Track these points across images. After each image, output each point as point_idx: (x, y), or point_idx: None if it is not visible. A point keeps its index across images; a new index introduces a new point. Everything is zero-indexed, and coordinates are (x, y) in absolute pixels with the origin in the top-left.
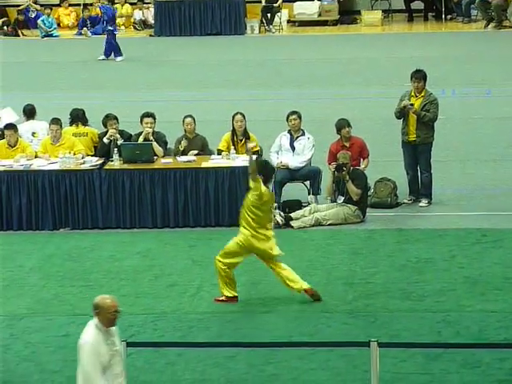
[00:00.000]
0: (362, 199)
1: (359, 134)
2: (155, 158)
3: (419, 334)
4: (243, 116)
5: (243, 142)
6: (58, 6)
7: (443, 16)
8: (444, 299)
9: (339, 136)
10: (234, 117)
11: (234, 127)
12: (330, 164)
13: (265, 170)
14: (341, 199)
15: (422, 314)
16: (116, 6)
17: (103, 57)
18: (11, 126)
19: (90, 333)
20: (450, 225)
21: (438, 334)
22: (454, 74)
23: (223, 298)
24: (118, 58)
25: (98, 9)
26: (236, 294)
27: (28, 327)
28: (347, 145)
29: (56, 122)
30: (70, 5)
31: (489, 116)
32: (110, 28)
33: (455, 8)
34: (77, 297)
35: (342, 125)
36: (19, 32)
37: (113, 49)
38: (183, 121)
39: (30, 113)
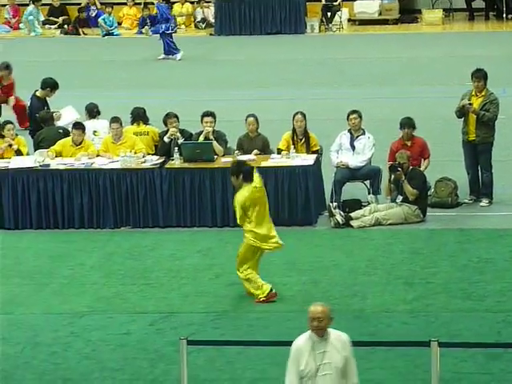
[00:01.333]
0: (422, 199)
1: (420, 133)
2: (215, 157)
3: (480, 333)
4: (303, 115)
5: (303, 141)
6: (120, 4)
7: (504, 15)
8: (505, 299)
9: (401, 134)
10: (294, 116)
11: (294, 126)
12: (390, 162)
13: (239, 170)
14: (400, 199)
15: (483, 314)
16: (175, 4)
17: (163, 55)
18: (79, 126)
19: (301, 338)
20: (511, 225)
21: (498, 334)
22: None
23: (262, 299)
24: (178, 56)
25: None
26: (271, 287)
27: (88, 325)
28: (408, 144)
29: (116, 120)
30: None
31: None
32: (162, 27)
33: None
34: (137, 295)
35: (404, 123)
36: (80, 31)
37: (169, 47)
38: (246, 120)
39: (91, 112)
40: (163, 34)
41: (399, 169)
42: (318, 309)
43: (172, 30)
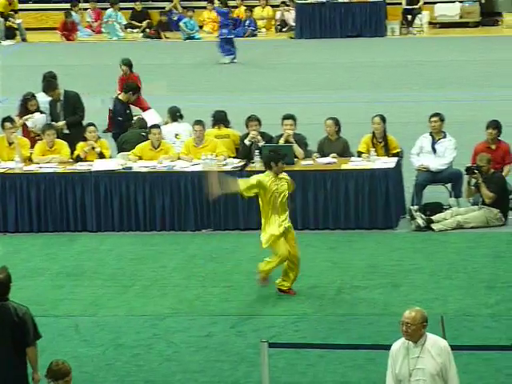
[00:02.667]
0: (503, 202)
1: (503, 137)
2: (296, 159)
3: None
4: (382, 118)
5: (382, 144)
6: (201, 8)
7: None
8: None
9: (486, 137)
10: (372, 119)
11: (373, 129)
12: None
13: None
14: (480, 202)
15: None
16: (256, 8)
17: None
18: (155, 127)
19: (397, 342)
20: None
21: None
22: None
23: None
24: (226, 58)
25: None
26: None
27: (171, 327)
28: (493, 147)
29: (199, 123)
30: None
31: None
32: (223, 31)
33: None
34: (218, 297)
35: (489, 125)
36: (161, 34)
37: (225, 50)
38: (324, 123)
39: (174, 115)
40: (222, 39)
41: (475, 171)
42: (408, 314)
43: (231, 34)
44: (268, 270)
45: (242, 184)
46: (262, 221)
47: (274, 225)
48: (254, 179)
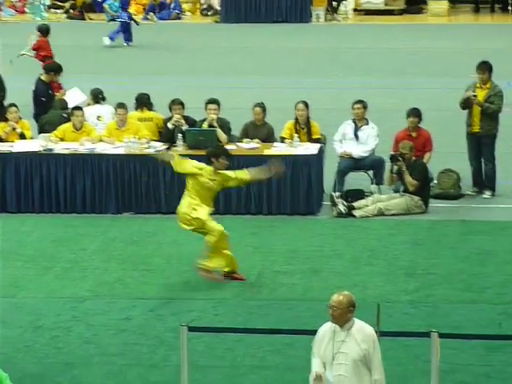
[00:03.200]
0: (424, 190)
1: (424, 124)
2: (219, 144)
3: (480, 325)
4: (305, 104)
5: (305, 130)
6: None
7: (510, 8)
8: (506, 291)
9: (407, 125)
10: (296, 105)
11: (296, 115)
12: (394, 152)
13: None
14: (402, 189)
15: (483, 305)
16: None
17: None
18: (78, 109)
19: (326, 324)
20: None
21: (498, 326)
22: None
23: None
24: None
25: None
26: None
27: (90, 310)
28: (414, 135)
29: (122, 106)
30: None
31: None
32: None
33: None
34: (138, 281)
35: (410, 112)
36: (85, 15)
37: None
38: (253, 109)
39: (96, 97)
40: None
41: (399, 158)
42: (335, 298)
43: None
44: (215, 265)
45: (177, 161)
46: (192, 201)
47: (203, 208)
48: (189, 166)
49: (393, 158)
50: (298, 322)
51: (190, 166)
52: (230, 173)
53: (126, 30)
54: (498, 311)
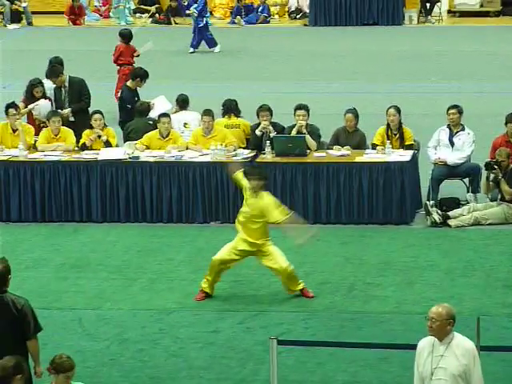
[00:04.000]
0: None
1: None
2: (308, 151)
3: None
4: (397, 110)
5: (398, 136)
6: None
7: None
8: None
9: (505, 130)
10: (387, 110)
11: (387, 121)
12: (492, 159)
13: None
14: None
15: None
16: None
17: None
18: (165, 116)
19: (425, 339)
20: None
21: None
22: None
23: None
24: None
25: None
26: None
27: (177, 322)
28: None
29: (208, 113)
30: None
31: None
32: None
33: None
34: (226, 292)
35: (509, 119)
36: (171, 20)
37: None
38: (344, 115)
39: (182, 103)
40: (197, 28)
41: (495, 166)
42: (434, 309)
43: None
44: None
45: (239, 174)
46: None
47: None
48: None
49: (488, 166)
50: (391, 336)
51: (243, 182)
52: (268, 203)
53: (203, 36)
54: None
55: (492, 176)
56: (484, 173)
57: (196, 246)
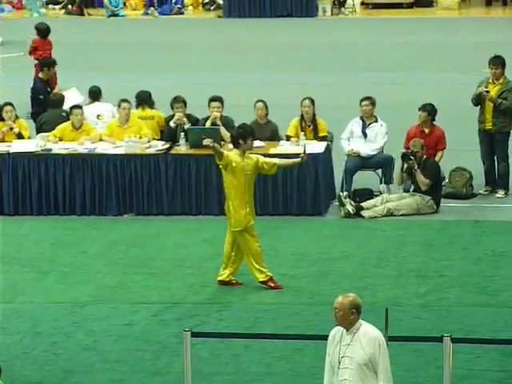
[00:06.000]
0: (435, 189)
1: (436, 120)
2: (222, 143)
3: (494, 329)
4: (312, 101)
5: (311, 127)
6: None
7: None
8: None
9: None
10: (302, 102)
11: (302, 112)
12: (406, 149)
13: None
14: (412, 188)
15: (498, 309)
16: None
17: None
18: (77, 107)
19: (336, 327)
20: None
21: None
22: None
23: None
24: None
25: None
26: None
27: (90, 315)
28: (426, 131)
29: (126, 100)
30: None
31: None
32: None
33: None
34: (140, 285)
35: (422, 106)
36: (84, 11)
37: None
38: (254, 105)
39: (95, 95)
40: None
41: (411, 157)
42: (337, 299)
43: None
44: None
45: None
46: (230, 203)
47: (240, 213)
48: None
49: (404, 157)
50: (305, 327)
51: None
52: (258, 155)
53: None
54: None
55: (406, 167)
56: (397, 164)
57: (110, 238)
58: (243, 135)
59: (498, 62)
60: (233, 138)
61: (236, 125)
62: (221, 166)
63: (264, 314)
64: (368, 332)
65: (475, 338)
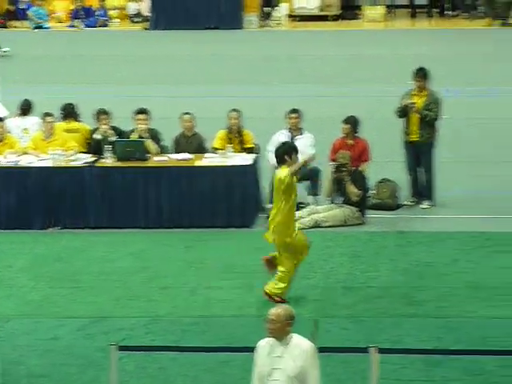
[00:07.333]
0: (363, 201)
1: (360, 132)
2: (149, 155)
3: (420, 339)
4: (238, 113)
5: (238, 139)
6: None
7: (447, 12)
8: (446, 304)
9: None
10: (228, 114)
11: (229, 124)
12: (332, 161)
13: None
14: (340, 200)
15: (423, 319)
16: None
17: None
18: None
19: (265, 339)
20: (453, 228)
21: (439, 340)
22: (458, 73)
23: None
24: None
25: None
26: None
27: (16, 329)
28: (350, 143)
29: (50, 114)
30: None
31: (494, 116)
32: None
33: (460, 4)
34: (66, 299)
35: (346, 118)
36: (7, 24)
37: None
38: (181, 118)
39: (25, 108)
40: None
41: (344, 169)
42: (273, 311)
43: None
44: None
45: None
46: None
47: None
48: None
49: (337, 169)
50: (233, 339)
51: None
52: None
53: None
54: (439, 325)
55: (334, 178)
56: (324, 176)
57: (35, 252)
58: (289, 151)
59: (422, 73)
60: (280, 154)
61: (163, 137)
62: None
63: (191, 327)
64: (299, 344)
65: (402, 349)
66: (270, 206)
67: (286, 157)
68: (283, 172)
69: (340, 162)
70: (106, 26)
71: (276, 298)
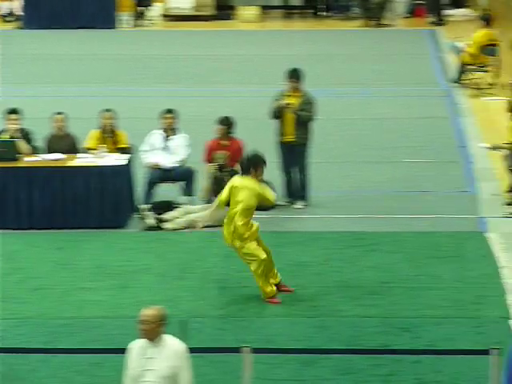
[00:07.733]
0: None
1: (234, 133)
2: (20, 155)
3: (293, 339)
4: (112, 113)
5: (112, 140)
6: None
7: (321, 13)
8: (318, 303)
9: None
10: (101, 114)
11: (102, 124)
12: (208, 162)
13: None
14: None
15: (296, 318)
16: None
17: None
18: None
19: (137, 340)
20: (326, 227)
21: (311, 340)
22: (332, 73)
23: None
24: None
25: None
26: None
27: None
28: (225, 143)
29: None
30: None
31: (366, 117)
32: None
33: (334, 5)
34: None
35: (219, 120)
36: None
37: None
38: (53, 118)
39: None
40: None
41: (225, 170)
42: (145, 312)
43: None
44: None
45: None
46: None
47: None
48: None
49: (218, 169)
50: (106, 341)
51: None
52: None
53: None
54: (311, 324)
55: (214, 178)
56: (200, 176)
57: None
58: (257, 163)
59: (295, 74)
60: (245, 164)
61: (35, 137)
62: None
63: (63, 328)
64: (172, 345)
65: (274, 348)
66: (145, 206)
67: (251, 169)
68: (253, 184)
69: (218, 162)
70: None
71: (269, 300)
